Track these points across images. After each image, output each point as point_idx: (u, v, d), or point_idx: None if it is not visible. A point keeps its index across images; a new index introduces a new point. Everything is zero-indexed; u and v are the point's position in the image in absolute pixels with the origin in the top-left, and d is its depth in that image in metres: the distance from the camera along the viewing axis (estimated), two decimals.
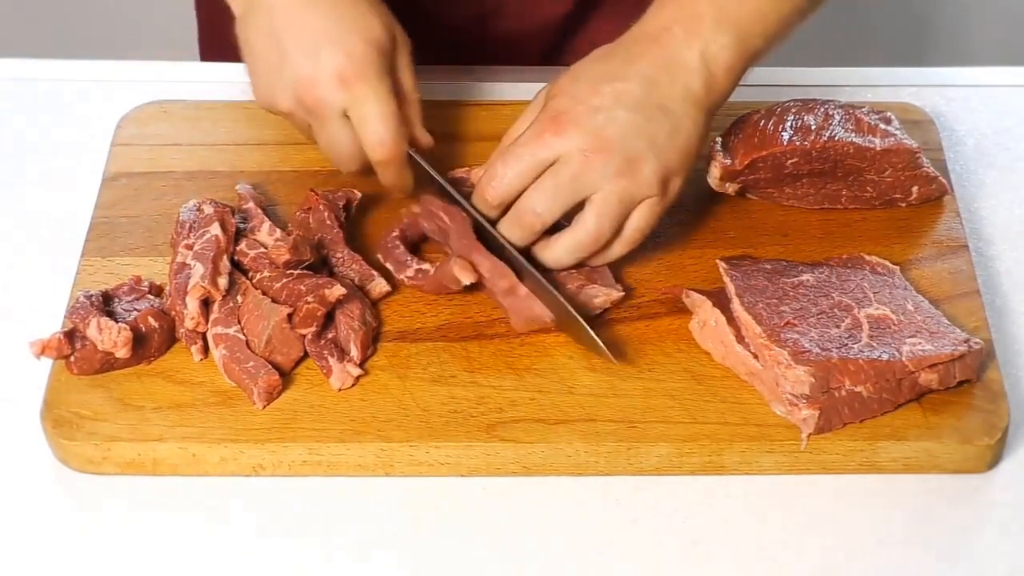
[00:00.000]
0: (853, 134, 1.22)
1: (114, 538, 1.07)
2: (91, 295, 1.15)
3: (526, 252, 1.18)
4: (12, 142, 1.36)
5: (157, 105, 1.35)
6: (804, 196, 1.26)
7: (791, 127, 1.22)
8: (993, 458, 1.11)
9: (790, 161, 1.22)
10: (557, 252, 1.16)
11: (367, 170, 1.21)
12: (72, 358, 1.12)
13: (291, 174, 1.29)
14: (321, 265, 1.19)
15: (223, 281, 1.15)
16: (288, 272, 1.16)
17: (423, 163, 1.21)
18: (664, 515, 1.09)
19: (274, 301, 1.14)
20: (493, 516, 1.09)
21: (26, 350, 1.12)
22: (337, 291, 1.13)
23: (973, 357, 1.12)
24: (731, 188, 1.25)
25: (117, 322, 1.12)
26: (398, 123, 1.18)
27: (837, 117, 1.22)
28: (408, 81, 1.22)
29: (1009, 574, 1.06)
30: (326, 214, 1.22)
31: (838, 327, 1.13)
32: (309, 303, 1.13)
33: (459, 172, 1.26)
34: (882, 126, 1.23)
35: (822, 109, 1.23)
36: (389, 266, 1.20)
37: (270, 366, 1.12)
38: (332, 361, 1.13)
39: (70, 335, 1.12)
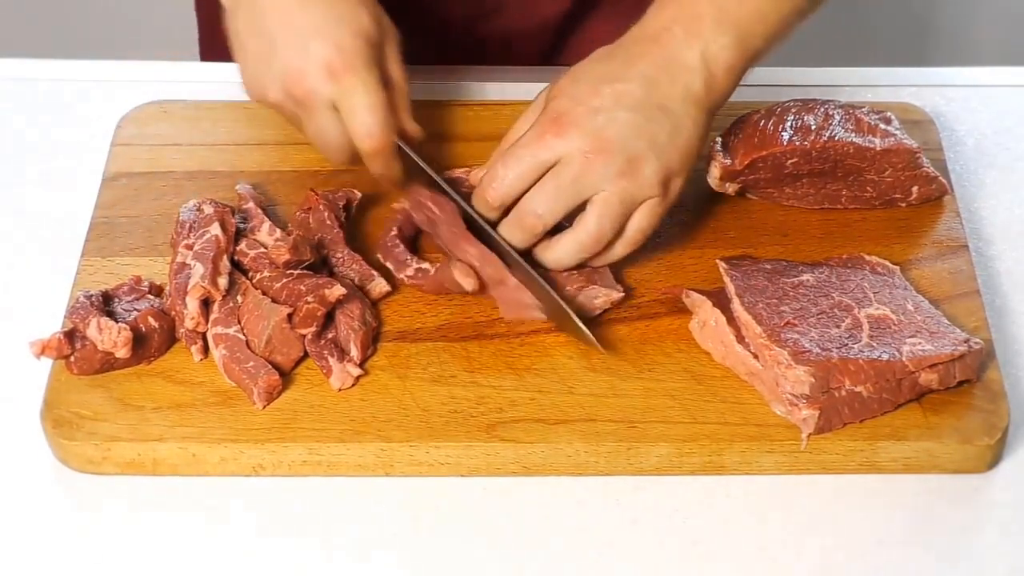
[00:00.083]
0: (853, 134, 1.22)
1: (114, 538, 1.07)
2: (91, 295, 1.15)
3: (526, 252, 1.18)
4: (12, 142, 1.36)
5: (157, 105, 1.35)
6: (804, 196, 1.26)
7: (791, 127, 1.22)
8: (993, 458, 1.11)
9: (790, 161, 1.22)
10: (558, 253, 1.16)
11: (356, 161, 1.21)
12: (72, 358, 1.12)
13: (291, 174, 1.29)
14: (321, 265, 1.19)
15: (223, 281, 1.15)
16: (288, 272, 1.16)
17: (412, 154, 1.21)
18: (664, 515, 1.09)
19: (274, 301, 1.14)
20: (493, 516, 1.09)
21: (26, 350, 1.12)
22: (337, 291, 1.13)
23: (973, 357, 1.12)
24: (731, 188, 1.25)
25: (117, 322, 1.12)
26: (387, 114, 1.18)
27: (837, 117, 1.22)
28: (397, 72, 1.22)
29: (1009, 574, 1.06)
30: (326, 214, 1.22)
31: (838, 327, 1.13)
32: (309, 303, 1.13)
33: (459, 172, 1.26)
34: (882, 126, 1.23)
35: (822, 109, 1.23)
36: (389, 265, 1.20)
37: (270, 366, 1.12)
38: (332, 361, 1.13)
39: (70, 335, 1.12)
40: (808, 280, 1.17)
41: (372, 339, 1.16)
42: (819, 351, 1.10)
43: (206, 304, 1.15)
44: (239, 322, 1.14)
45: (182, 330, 1.15)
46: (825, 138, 1.21)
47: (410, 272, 1.19)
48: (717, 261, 1.18)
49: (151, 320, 1.14)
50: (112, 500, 1.09)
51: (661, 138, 1.14)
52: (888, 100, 1.36)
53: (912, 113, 1.34)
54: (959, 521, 1.09)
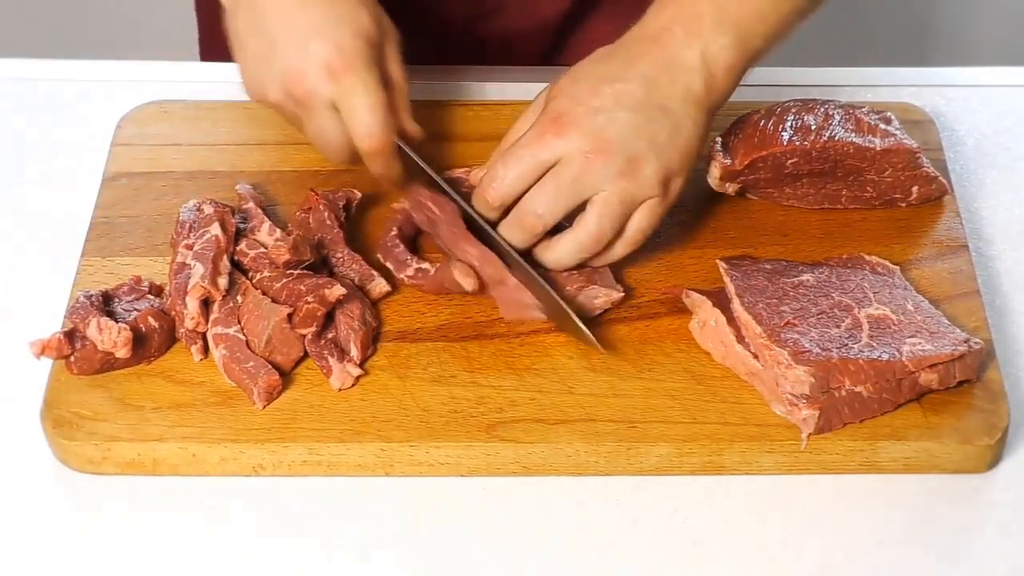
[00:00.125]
0: (853, 134, 1.22)
1: (114, 538, 1.07)
2: (91, 295, 1.15)
3: (526, 252, 1.18)
4: (12, 142, 1.36)
5: (157, 105, 1.35)
6: (804, 196, 1.26)
7: (791, 127, 1.22)
8: (993, 458, 1.11)
9: (790, 161, 1.22)
10: (558, 253, 1.16)
11: (356, 161, 1.22)
12: (72, 358, 1.12)
13: (291, 174, 1.29)
14: (321, 265, 1.19)
15: (223, 281, 1.15)
16: (288, 272, 1.16)
17: (412, 154, 1.21)
18: (664, 515, 1.09)
19: (274, 301, 1.14)
20: (493, 516, 1.09)
21: (26, 350, 1.12)
22: (337, 291, 1.13)
23: (973, 357, 1.12)
24: (731, 188, 1.25)
25: (117, 322, 1.12)
26: (386, 114, 1.18)
27: (837, 117, 1.22)
28: (396, 72, 1.22)
29: (1009, 574, 1.06)
30: (326, 214, 1.22)
31: (838, 327, 1.13)
32: (309, 303, 1.13)
33: (459, 172, 1.26)
34: (882, 126, 1.23)
35: (822, 109, 1.23)
36: (389, 265, 1.20)
37: (270, 366, 1.12)
38: (332, 361, 1.13)
39: (70, 335, 1.12)
40: (808, 280, 1.17)
41: (372, 339, 1.16)
42: (819, 351, 1.10)
43: (206, 304, 1.15)
44: (239, 322, 1.14)
45: (182, 330, 1.15)
46: (825, 138, 1.21)
47: (410, 272, 1.19)
48: (717, 261, 1.18)
49: (151, 320, 1.14)
50: (112, 500, 1.09)
51: (661, 138, 1.14)
52: (888, 100, 1.36)
53: (912, 113, 1.34)
54: (959, 521, 1.09)
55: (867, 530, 1.08)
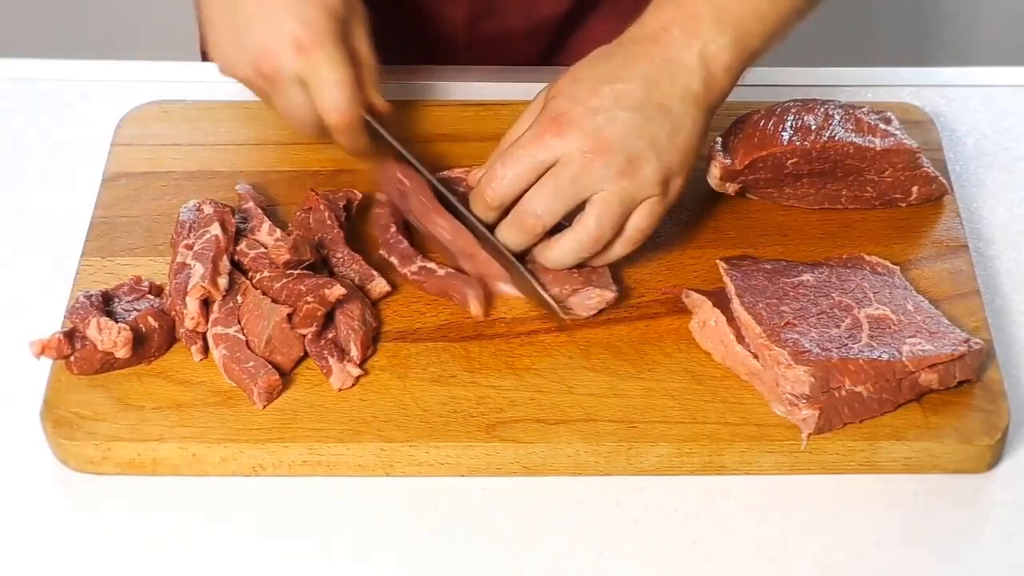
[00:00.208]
0: (853, 134, 1.22)
1: (114, 538, 1.07)
2: (91, 295, 1.15)
3: (525, 252, 1.18)
4: (12, 142, 1.36)
5: (157, 105, 1.35)
6: (804, 196, 1.26)
7: (791, 127, 1.22)
8: (993, 458, 1.11)
9: (790, 161, 1.22)
10: (558, 253, 1.16)
11: (325, 135, 1.23)
12: (72, 358, 1.12)
13: (291, 174, 1.29)
14: (321, 265, 1.19)
15: (223, 281, 1.15)
16: (288, 272, 1.16)
17: (379, 128, 1.23)
18: (664, 515, 1.09)
19: (274, 301, 1.14)
20: (493, 516, 1.09)
21: (26, 350, 1.12)
22: (337, 291, 1.13)
23: (973, 357, 1.12)
24: (731, 188, 1.25)
25: (117, 322, 1.12)
26: (354, 89, 1.20)
27: (837, 117, 1.22)
28: (364, 48, 1.23)
29: (1009, 574, 1.06)
30: (326, 214, 1.22)
31: (838, 327, 1.13)
32: (309, 303, 1.13)
33: (457, 172, 1.26)
34: (882, 126, 1.23)
35: (822, 109, 1.23)
36: (393, 260, 1.20)
37: (270, 366, 1.12)
38: (332, 361, 1.13)
39: (70, 335, 1.12)
40: (808, 280, 1.17)
41: (372, 339, 1.16)
42: (819, 351, 1.10)
43: (206, 304, 1.15)
44: (239, 322, 1.14)
45: (182, 330, 1.15)
46: (825, 138, 1.21)
47: (414, 268, 1.19)
48: (717, 261, 1.18)
49: (151, 320, 1.14)
50: (112, 500, 1.09)
51: (661, 138, 1.14)
52: (888, 100, 1.36)
53: (912, 113, 1.34)
54: (959, 521, 1.09)
55: (867, 530, 1.08)
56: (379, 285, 1.19)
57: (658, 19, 1.16)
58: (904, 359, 1.10)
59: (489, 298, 1.18)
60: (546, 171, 1.14)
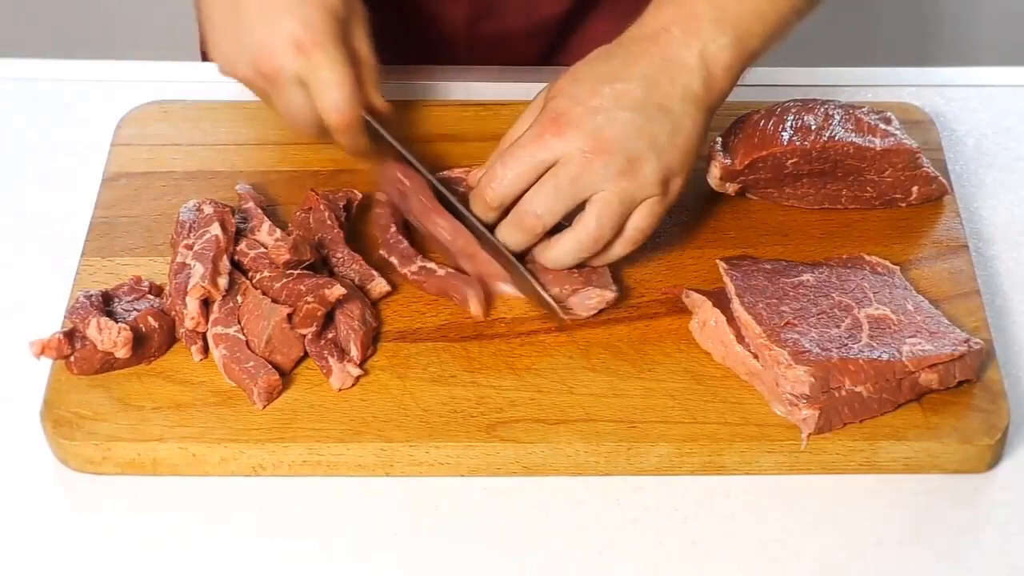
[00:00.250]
0: (853, 134, 1.22)
1: (114, 538, 1.07)
2: (91, 295, 1.15)
3: (525, 252, 1.18)
4: (12, 142, 1.36)
5: (157, 105, 1.35)
6: (804, 196, 1.26)
7: (791, 127, 1.22)
8: (993, 458, 1.11)
9: (790, 161, 1.22)
10: (558, 253, 1.16)
11: (325, 136, 1.23)
12: (72, 358, 1.12)
13: (291, 174, 1.29)
14: (321, 265, 1.19)
15: (223, 281, 1.15)
16: (288, 272, 1.16)
17: (379, 129, 1.23)
18: (664, 515, 1.09)
19: (274, 301, 1.14)
20: (493, 516, 1.09)
21: (26, 350, 1.12)
22: (337, 291, 1.13)
23: (973, 357, 1.12)
24: (731, 188, 1.25)
25: (117, 322, 1.12)
26: (354, 89, 1.20)
27: (837, 117, 1.22)
28: (363, 47, 1.23)
29: (1009, 574, 1.06)
30: (326, 214, 1.22)
31: (838, 327, 1.13)
32: (309, 303, 1.13)
33: (457, 172, 1.26)
34: (882, 126, 1.23)
35: (822, 109, 1.23)
36: (394, 260, 1.20)
37: (270, 366, 1.12)
38: (332, 361, 1.13)
39: (70, 335, 1.12)
40: (808, 280, 1.17)
41: (372, 339, 1.16)
42: (819, 351, 1.10)
43: (206, 304, 1.15)
44: (239, 322, 1.14)
45: (182, 330, 1.15)
46: (825, 138, 1.21)
47: (414, 268, 1.19)
48: (717, 261, 1.18)
49: (151, 320, 1.14)
50: (112, 500, 1.09)
51: (661, 138, 1.14)
52: (888, 100, 1.36)
53: (912, 113, 1.34)
54: (959, 521, 1.09)
55: (867, 530, 1.08)
56: (379, 285, 1.19)
57: (658, 19, 1.16)
58: (904, 359, 1.10)
59: (489, 298, 1.18)
60: (546, 171, 1.14)
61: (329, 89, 1.19)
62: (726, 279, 1.16)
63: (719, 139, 1.24)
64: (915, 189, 1.25)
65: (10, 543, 1.07)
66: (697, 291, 1.17)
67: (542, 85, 1.20)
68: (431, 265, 1.20)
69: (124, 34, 2.55)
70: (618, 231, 1.16)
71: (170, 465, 1.10)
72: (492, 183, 1.16)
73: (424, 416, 1.11)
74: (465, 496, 1.09)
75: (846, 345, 1.11)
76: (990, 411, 1.11)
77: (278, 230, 1.20)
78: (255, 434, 1.10)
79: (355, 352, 1.14)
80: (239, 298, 1.15)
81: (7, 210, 1.29)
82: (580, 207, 1.15)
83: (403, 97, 1.36)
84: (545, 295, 1.16)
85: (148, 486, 1.10)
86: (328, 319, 1.14)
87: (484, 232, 1.18)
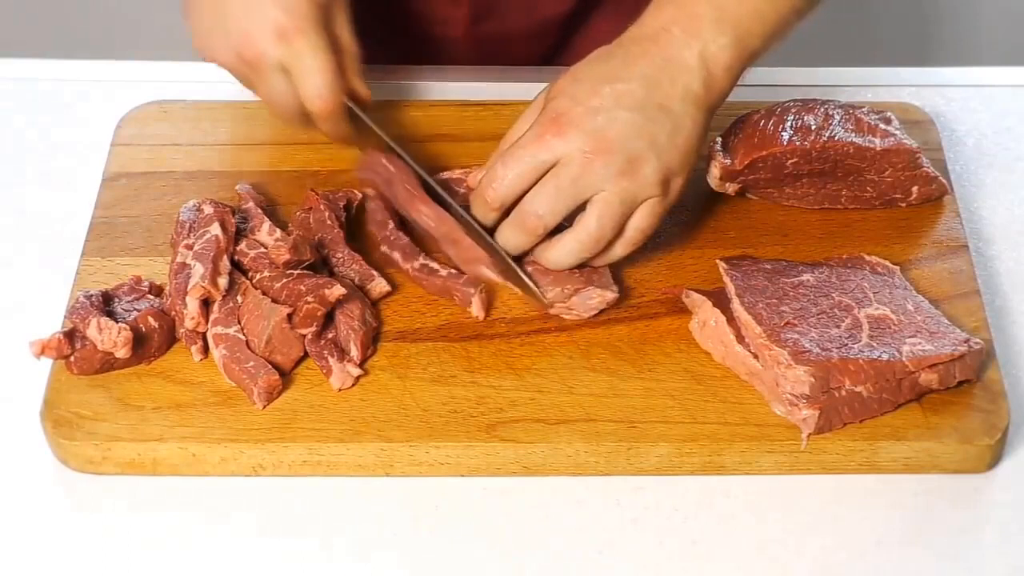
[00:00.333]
0: (853, 134, 1.22)
1: (114, 538, 1.07)
2: (91, 295, 1.15)
3: (525, 252, 1.19)
4: (12, 142, 1.36)
5: (157, 105, 1.35)
6: (804, 196, 1.26)
7: (791, 127, 1.22)
8: (993, 458, 1.11)
9: (790, 161, 1.22)
10: (559, 253, 1.16)
11: (307, 122, 1.24)
12: (72, 358, 1.12)
13: (291, 174, 1.29)
14: (321, 265, 1.19)
15: (223, 281, 1.15)
16: (288, 272, 1.16)
17: (361, 115, 1.24)
18: (664, 515, 1.09)
19: (274, 301, 1.14)
20: (493, 516, 1.09)
21: (26, 350, 1.12)
22: (337, 291, 1.13)
23: (973, 357, 1.12)
24: (731, 188, 1.25)
25: (117, 322, 1.12)
26: (335, 76, 1.21)
27: (837, 117, 1.22)
28: (345, 34, 1.24)
29: (1009, 574, 1.06)
30: (326, 214, 1.22)
31: (838, 327, 1.13)
32: (309, 303, 1.13)
33: (458, 172, 1.26)
34: (882, 126, 1.23)
35: (822, 109, 1.23)
36: (396, 255, 1.20)
37: (270, 366, 1.12)
38: (332, 361, 1.13)
39: (70, 335, 1.12)
40: (808, 280, 1.17)
41: (372, 339, 1.16)
42: (819, 351, 1.10)
43: (206, 304, 1.15)
44: (239, 322, 1.14)
45: (182, 330, 1.15)
46: (825, 138, 1.21)
47: (417, 264, 1.20)
48: (717, 261, 1.18)
49: (151, 320, 1.14)
50: (112, 500, 1.09)
51: (661, 138, 1.14)
52: (888, 100, 1.36)
53: (912, 113, 1.34)
54: (959, 521, 1.09)
55: (867, 530, 1.08)
56: (379, 285, 1.19)
57: (658, 19, 1.16)
58: (904, 359, 1.10)
59: (491, 299, 1.18)
60: (547, 171, 1.14)
61: (311, 76, 1.19)
62: (726, 279, 1.16)
63: (719, 139, 1.24)
64: (915, 189, 1.25)
65: (10, 543, 1.07)
66: (697, 291, 1.17)
67: (542, 85, 1.20)
68: (434, 264, 1.20)
69: (124, 34, 2.55)
70: (619, 231, 1.16)
71: (170, 465, 1.10)
72: (493, 183, 1.16)
73: (424, 416, 1.11)
74: (465, 496, 1.09)
75: (846, 345, 1.11)
76: (990, 411, 1.11)
77: (278, 230, 1.20)
78: (255, 434, 1.10)
79: (355, 352, 1.14)
80: (239, 298, 1.15)
81: (7, 210, 1.29)
82: (581, 208, 1.15)
83: (403, 97, 1.36)
84: (527, 280, 1.16)
85: (148, 486, 1.10)
86: (328, 319, 1.14)
87: (467, 219, 1.18)
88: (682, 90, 1.15)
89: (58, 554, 1.07)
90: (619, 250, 1.17)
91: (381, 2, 1.45)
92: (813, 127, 1.22)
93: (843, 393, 1.09)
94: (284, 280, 1.15)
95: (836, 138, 1.21)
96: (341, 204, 1.23)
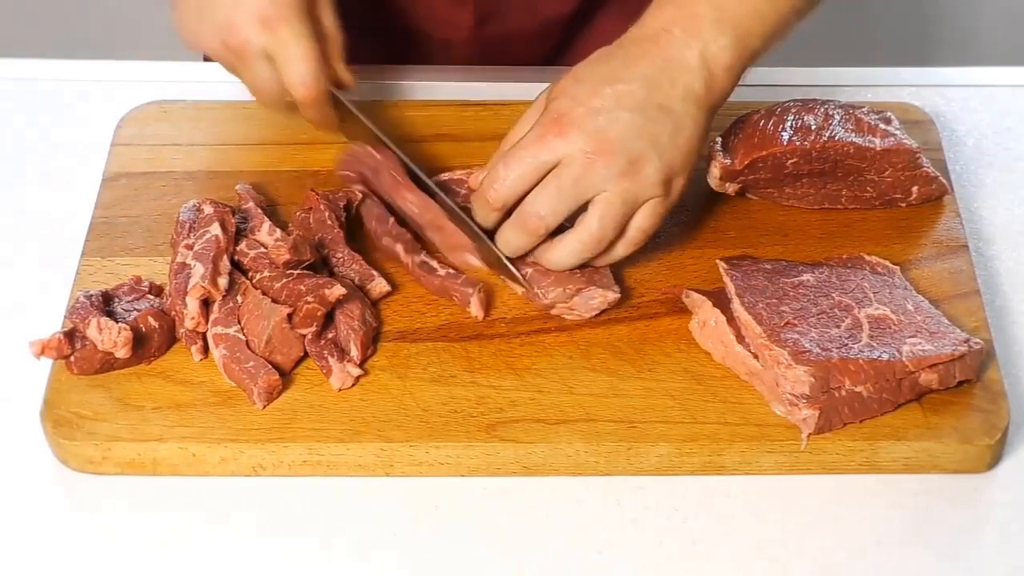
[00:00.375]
0: (853, 134, 1.22)
1: (114, 538, 1.07)
2: (91, 295, 1.15)
3: (525, 252, 1.19)
4: (12, 142, 1.36)
5: (157, 105, 1.35)
6: (804, 196, 1.26)
7: (791, 127, 1.22)
8: (993, 458, 1.11)
9: (790, 161, 1.22)
10: (560, 254, 1.16)
11: (292, 109, 1.25)
12: (72, 358, 1.12)
13: (291, 174, 1.29)
14: (321, 265, 1.19)
15: (223, 281, 1.15)
16: (288, 272, 1.16)
17: (345, 102, 1.25)
18: (664, 515, 1.09)
19: (274, 301, 1.14)
20: (493, 516, 1.09)
21: (26, 350, 1.12)
22: (337, 291, 1.13)
23: (973, 357, 1.12)
24: (731, 188, 1.25)
25: (117, 322, 1.12)
26: (319, 63, 1.22)
27: (837, 117, 1.22)
28: (329, 21, 1.25)
29: (1009, 574, 1.06)
30: (326, 214, 1.22)
31: (838, 327, 1.13)
32: (309, 303, 1.13)
33: (459, 173, 1.26)
34: (882, 126, 1.23)
35: (822, 109, 1.23)
36: (399, 247, 1.20)
37: (270, 366, 1.12)
38: (332, 361, 1.13)
39: (70, 335, 1.12)
40: (808, 280, 1.17)
41: (372, 339, 1.16)
42: (819, 351, 1.10)
43: (206, 304, 1.15)
44: (239, 322, 1.14)
45: (182, 330, 1.15)
46: (825, 138, 1.21)
47: (418, 260, 1.20)
48: (717, 261, 1.18)
49: (151, 320, 1.14)
50: (112, 500, 1.09)
51: (663, 138, 1.14)
52: (888, 100, 1.36)
53: (912, 113, 1.34)
54: (959, 521, 1.09)
55: (867, 530, 1.08)
56: (379, 285, 1.19)
57: (658, 20, 1.16)
58: (904, 359, 1.10)
59: (489, 299, 1.18)
60: (548, 172, 1.14)
61: (295, 64, 1.20)
62: (726, 279, 1.16)
63: (719, 139, 1.24)
64: (915, 189, 1.25)
65: (10, 543, 1.07)
66: (697, 291, 1.17)
67: (543, 85, 1.20)
68: (433, 263, 1.20)
69: (124, 34, 2.55)
70: (620, 232, 1.16)
71: (170, 465, 1.10)
72: (494, 184, 1.16)
73: (424, 416, 1.11)
74: (465, 496, 1.09)
75: (846, 345, 1.11)
76: (990, 411, 1.11)
77: (278, 230, 1.20)
78: (255, 434, 1.10)
79: (355, 352, 1.14)
80: (239, 298, 1.15)
81: (7, 210, 1.29)
82: (582, 208, 1.15)
83: (403, 97, 1.36)
84: (511, 267, 1.17)
85: (148, 486, 1.10)
86: (328, 319, 1.14)
87: (451, 206, 1.19)
88: (683, 90, 1.15)
89: (58, 554, 1.07)
90: (620, 250, 1.17)
91: (385, 4, 1.45)
92: (813, 127, 1.22)
93: (843, 393, 1.09)
94: (284, 280, 1.15)
95: (836, 138, 1.21)
96: (341, 204, 1.23)
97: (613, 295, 1.17)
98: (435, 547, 1.07)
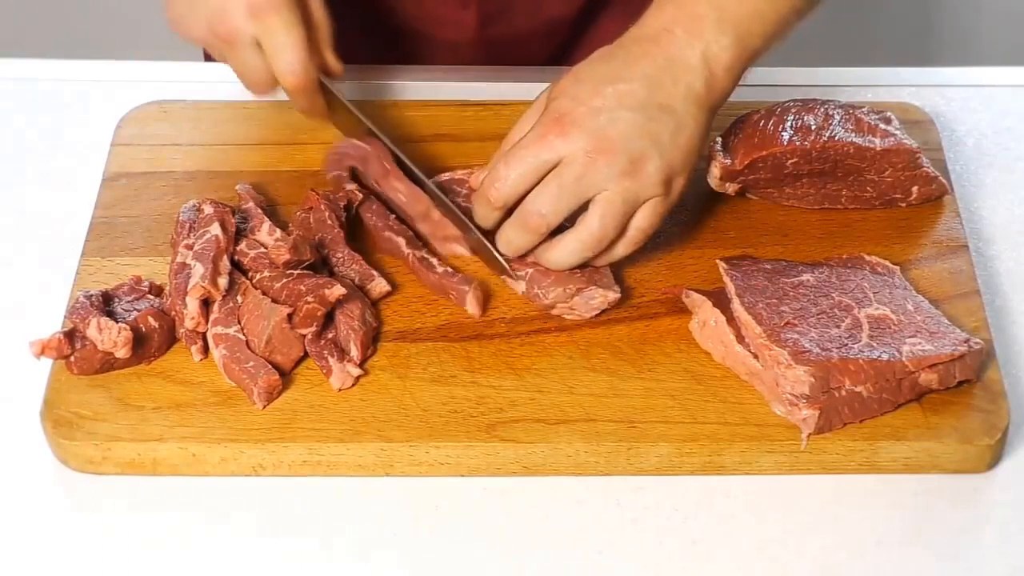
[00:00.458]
0: (853, 134, 1.22)
1: (114, 538, 1.07)
2: (91, 295, 1.15)
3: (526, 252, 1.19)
4: (12, 142, 1.36)
5: (157, 105, 1.35)
6: (804, 196, 1.26)
7: (791, 127, 1.22)
8: (993, 458, 1.11)
9: (790, 161, 1.22)
10: (561, 253, 1.16)
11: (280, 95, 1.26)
12: (72, 358, 1.12)
13: (291, 174, 1.29)
14: (321, 265, 1.19)
15: (223, 281, 1.15)
16: (288, 272, 1.16)
17: (334, 90, 1.26)
18: (664, 515, 1.09)
19: (274, 301, 1.14)
20: (493, 516, 1.09)
21: (26, 350, 1.12)
22: (337, 291, 1.13)
23: (973, 357, 1.12)
24: (731, 188, 1.25)
25: (117, 322, 1.12)
26: (308, 52, 1.22)
27: (837, 117, 1.22)
28: (318, 10, 1.26)
29: (1009, 574, 1.06)
30: (326, 214, 1.22)
31: (838, 327, 1.13)
32: (309, 303, 1.13)
33: (460, 173, 1.26)
34: (882, 126, 1.23)
35: (822, 109, 1.23)
36: (400, 240, 1.20)
37: (270, 366, 1.12)
38: (332, 361, 1.13)
39: (70, 335, 1.12)
40: (808, 280, 1.17)
41: (372, 339, 1.16)
42: (819, 351, 1.10)
43: (206, 304, 1.15)
44: (239, 322, 1.14)
45: (182, 330, 1.15)
46: (825, 138, 1.21)
47: (419, 255, 1.20)
48: (717, 261, 1.18)
49: (151, 320, 1.14)
50: (112, 500, 1.09)
51: (663, 138, 1.14)
52: (888, 100, 1.36)
53: (912, 113, 1.34)
54: (959, 521, 1.09)
55: (867, 530, 1.08)
56: (379, 285, 1.19)
57: (659, 19, 1.16)
58: (904, 359, 1.10)
59: (486, 296, 1.18)
60: (549, 171, 1.14)
61: (284, 52, 1.21)
62: (726, 279, 1.16)
63: (719, 139, 1.24)
64: (915, 189, 1.25)
65: (10, 543, 1.07)
66: (697, 291, 1.17)
67: (543, 85, 1.20)
68: (432, 259, 1.20)
69: (124, 34, 2.55)
70: (621, 231, 1.16)
71: (170, 465, 1.10)
72: (496, 183, 1.16)
73: (424, 416, 1.11)
74: (465, 496, 1.09)
75: (846, 345, 1.11)
76: (990, 411, 1.11)
77: (278, 230, 1.20)
78: (255, 434, 1.10)
79: (355, 352, 1.14)
80: (239, 298, 1.15)
81: (7, 210, 1.29)
82: (582, 208, 1.15)
83: (404, 97, 1.36)
84: (498, 256, 1.18)
85: (148, 486, 1.10)
86: (328, 319, 1.14)
87: (441, 196, 1.20)
88: (684, 90, 1.15)
89: (58, 554, 1.07)
90: (621, 250, 1.17)
91: (390, 6, 1.45)
92: (813, 127, 1.22)
93: (843, 393, 1.09)
94: (284, 280, 1.15)
95: (836, 138, 1.21)
96: (341, 204, 1.23)
97: (613, 295, 1.17)
98: (435, 547, 1.07)
